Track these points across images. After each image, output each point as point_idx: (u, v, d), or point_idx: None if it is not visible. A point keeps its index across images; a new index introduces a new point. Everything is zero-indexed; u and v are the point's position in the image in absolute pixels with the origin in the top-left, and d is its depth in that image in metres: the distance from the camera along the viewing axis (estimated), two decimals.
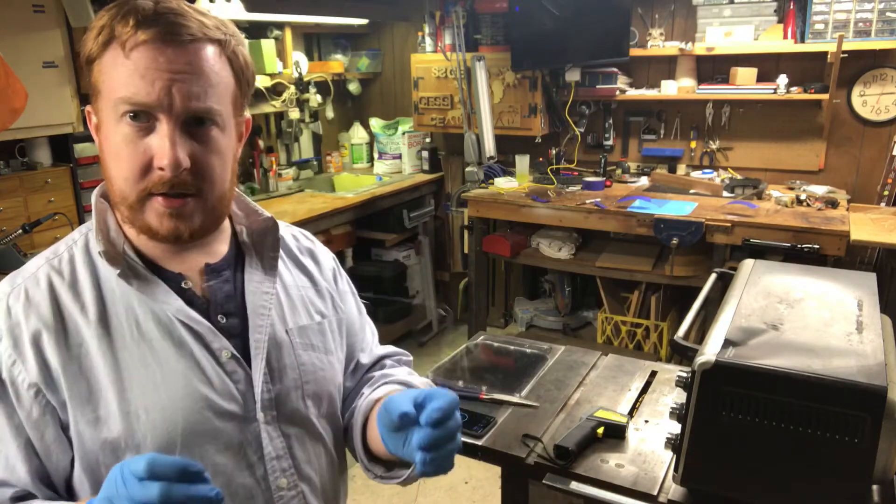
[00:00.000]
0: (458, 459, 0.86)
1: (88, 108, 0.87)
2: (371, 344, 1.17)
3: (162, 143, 0.80)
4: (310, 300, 1.04)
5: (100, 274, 0.88)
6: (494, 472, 1.68)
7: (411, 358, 1.23)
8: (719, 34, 3.39)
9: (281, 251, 1.02)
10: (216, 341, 0.90)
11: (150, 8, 0.80)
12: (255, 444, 0.91)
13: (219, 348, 0.90)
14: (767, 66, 3.40)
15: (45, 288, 0.86)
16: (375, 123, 4.50)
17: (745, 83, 3.37)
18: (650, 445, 1.41)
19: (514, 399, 1.59)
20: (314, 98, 4.15)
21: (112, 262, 0.86)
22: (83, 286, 0.87)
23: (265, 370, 0.92)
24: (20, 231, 2.59)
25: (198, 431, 0.86)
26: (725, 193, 3.38)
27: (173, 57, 0.80)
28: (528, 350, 1.88)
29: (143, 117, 0.80)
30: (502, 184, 3.73)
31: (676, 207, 3.17)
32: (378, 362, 1.17)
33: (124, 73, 0.79)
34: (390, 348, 1.21)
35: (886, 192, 3.17)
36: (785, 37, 3.25)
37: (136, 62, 0.79)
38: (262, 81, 3.66)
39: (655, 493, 1.26)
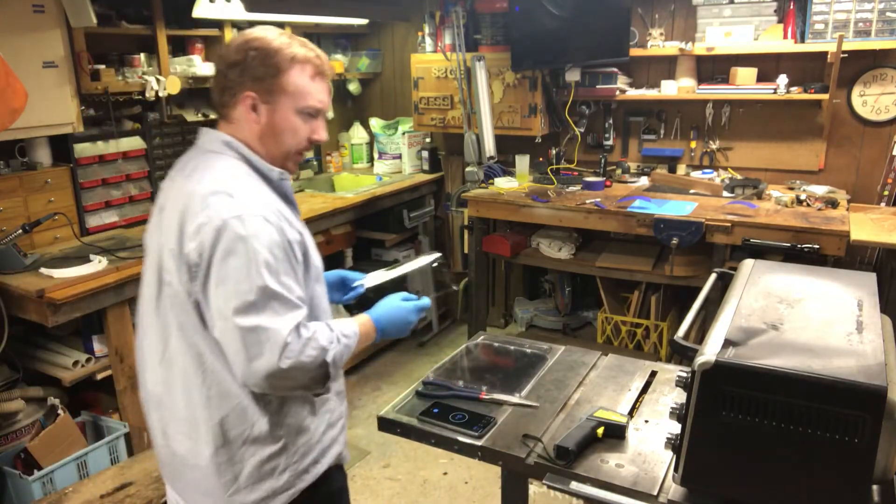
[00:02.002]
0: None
1: (251, 93, 1.30)
2: None
3: (323, 128, 1.39)
4: None
5: (262, 182, 1.33)
6: (494, 472, 1.68)
7: None
8: (719, 34, 3.39)
9: None
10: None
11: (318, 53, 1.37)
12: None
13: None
14: (767, 66, 3.40)
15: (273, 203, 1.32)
16: (375, 123, 4.50)
17: (745, 83, 3.37)
18: (650, 445, 1.41)
19: (514, 399, 1.59)
20: None
21: (286, 177, 1.38)
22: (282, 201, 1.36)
23: None
24: (20, 231, 2.59)
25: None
26: (725, 193, 3.38)
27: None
28: (528, 350, 1.88)
29: (314, 113, 1.36)
30: (502, 184, 3.73)
31: (676, 207, 3.17)
32: None
33: (315, 90, 1.34)
34: None
35: (886, 192, 3.17)
36: (785, 37, 3.25)
37: (321, 85, 1.36)
38: None
39: (655, 493, 1.26)
